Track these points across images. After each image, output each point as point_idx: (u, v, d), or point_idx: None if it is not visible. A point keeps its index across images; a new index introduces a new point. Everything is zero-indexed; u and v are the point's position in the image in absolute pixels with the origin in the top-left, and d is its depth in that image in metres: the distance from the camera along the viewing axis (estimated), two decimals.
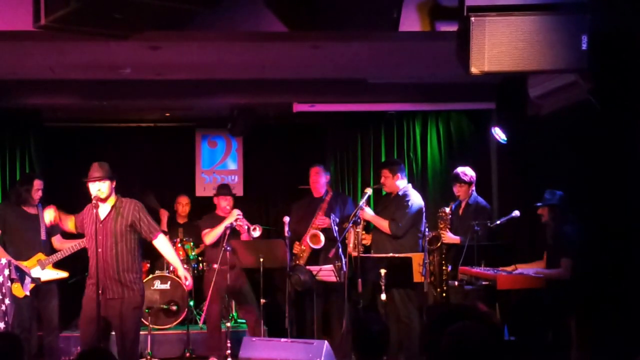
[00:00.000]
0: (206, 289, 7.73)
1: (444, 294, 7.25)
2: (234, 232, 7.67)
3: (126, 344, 6.14)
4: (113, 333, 6.36)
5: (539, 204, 6.56)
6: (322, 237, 7.69)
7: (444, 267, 7.22)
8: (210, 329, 7.85)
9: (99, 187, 6.10)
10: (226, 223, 7.61)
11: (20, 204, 7.37)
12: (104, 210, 6.17)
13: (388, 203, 7.78)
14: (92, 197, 6.10)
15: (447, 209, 7.37)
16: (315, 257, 7.82)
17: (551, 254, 6.54)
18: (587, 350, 6.18)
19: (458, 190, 7.48)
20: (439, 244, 7.19)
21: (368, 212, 7.53)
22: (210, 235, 7.69)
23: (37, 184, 7.35)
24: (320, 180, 7.93)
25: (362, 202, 7.29)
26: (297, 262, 7.68)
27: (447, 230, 7.30)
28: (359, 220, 7.28)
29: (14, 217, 7.31)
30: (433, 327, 2.68)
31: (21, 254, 7.10)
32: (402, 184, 7.62)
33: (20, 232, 7.16)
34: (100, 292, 5.98)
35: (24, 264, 7.12)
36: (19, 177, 8.66)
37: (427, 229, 7.13)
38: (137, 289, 6.24)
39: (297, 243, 7.87)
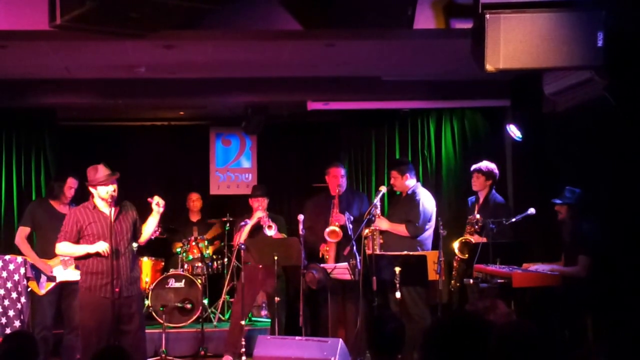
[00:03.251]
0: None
1: (462, 292, 7.25)
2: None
3: (140, 340, 6.21)
4: None
5: (557, 201, 6.52)
6: (340, 232, 7.62)
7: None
8: (232, 326, 7.89)
9: (113, 188, 6.11)
10: (251, 223, 7.72)
11: (52, 198, 7.45)
12: (108, 209, 6.15)
13: (399, 204, 7.76)
14: (105, 198, 6.09)
15: (478, 215, 7.27)
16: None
17: (568, 251, 6.50)
18: (603, 349, 6.15)
19: (475, 180, 7.41)
20: (469, 254, 7.11)
21: (384, 224, 7.47)
22: (238, 239, 7.75)
23: (70, 181, 7.38)
24: (342, 181, 7.84)
25: (376, 199, 7.28)
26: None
27: (474, 234, 7.25)
28: (373, 218, 7.27)
29: (43, 215, 7.36)
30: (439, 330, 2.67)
31: (46, 252, 7.13)
32: (411, 183, 7.58)
33: (48, 230, 7.14)
34: (118, 288, 6.02)
35: (47, 262, 7.16)
36: (44, 174, 8.87)
37: (441, 227, 7.10)
38: (140, 286, 6.44)
39: (323, 245, 7.72)
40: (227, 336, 7.94)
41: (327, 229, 7.52)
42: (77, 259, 6.37)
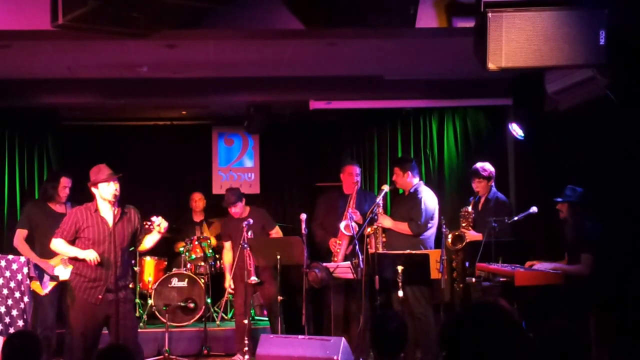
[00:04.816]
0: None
1: (466, 290, 7.26)
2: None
3: (134, 340, 6.21)
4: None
5: (558, 199, 6.52)
6: (355, 226, 7.60)
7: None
8: (237, 325, 7.95)
9: (115, 187, 6.08)
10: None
11: (46, 200, 7.48)
12: (109, 214, 6.10)
13: (401, 202, 7.77)
14: (108, 198, 6.04)
15: (470, 208, 7.32)
16: (329, 255, 7.80)
17: (571, 250, 6.50)
18: (606, 347, 6.15)
19: (477, 185, 7.44)
20: (463, 244, 7.15)
21: (387, 221, 7.47)
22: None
23: (64, 181, 7.43)
24: (357, 179, 7.83)
25: (378, 199, 7.29)
26: (333, 259, 7.64)
27: (470, 228, 7.27)
28: (375, 217, 7.28)
29: (40, 215, 7.37)
30: (452, 325, 2.65)
31: (46, 252, 7.14)
32: (414, 181, 7.59)
33: (46, 230, 7.12)
34: (101, 295, 6.04)
35: (49, 262, 7.17)
36: (47, 175, 8.81)
37: (444, 226, 7.11)
38: (130, 290, 6.43)
39: (333, 240, 7.78)
40: (235, 335, 7.98)
41: (343, 223, 7.54)
42: (69, 258, 6.38)
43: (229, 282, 8.15)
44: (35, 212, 7.45)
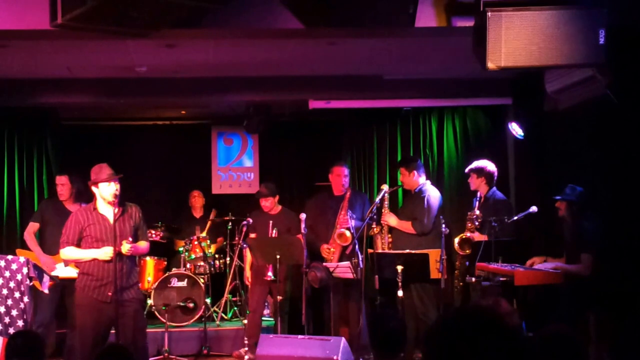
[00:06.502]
0: None
1: (466, 290, 7.25)
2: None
3: (142, 342, 6.18)
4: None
5: (557, 197, 6.52)
6: (349, 234, 7.59)
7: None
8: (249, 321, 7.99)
9: (116, 187, 6.06)
10: None
11: (55, 197, 7.65)
12: (109, 211, 6.08)
13: (407, 202, 7.77)
14: (107, 198, 6.01)
15: (477, 211, 7.30)
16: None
17: (570, 250, 6.50)
18: (605, 346, 6.14)
19: (470, 180, 7.44)
20: (471, 249, 7.12)
21: (392, 220, 7.47)
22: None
23: (57, 179, 7.57)
24: (345, 180, 7.84)
25: (377, 199, 7.29)
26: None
27: (475, 231, 7.26)
28: (375, 217, 7.28)
29: (51, 212, 7.48)
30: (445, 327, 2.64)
31: (51, 249, 7.18)
32: (420, 181, 7.59)
33: (54, 227, 7.16)
34: (111, 292, 5.99)
35: (52, 258, 7.19)
36: (46, 174, 8.96)
37: (444, 225, 7.10)
38: (138, 288, 6.39)
39: (326, 247, 7.75)
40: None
41: (336, 232, 7.52)
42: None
43: (248, 275, 8.15)
44: (49, 208, 7.57)
